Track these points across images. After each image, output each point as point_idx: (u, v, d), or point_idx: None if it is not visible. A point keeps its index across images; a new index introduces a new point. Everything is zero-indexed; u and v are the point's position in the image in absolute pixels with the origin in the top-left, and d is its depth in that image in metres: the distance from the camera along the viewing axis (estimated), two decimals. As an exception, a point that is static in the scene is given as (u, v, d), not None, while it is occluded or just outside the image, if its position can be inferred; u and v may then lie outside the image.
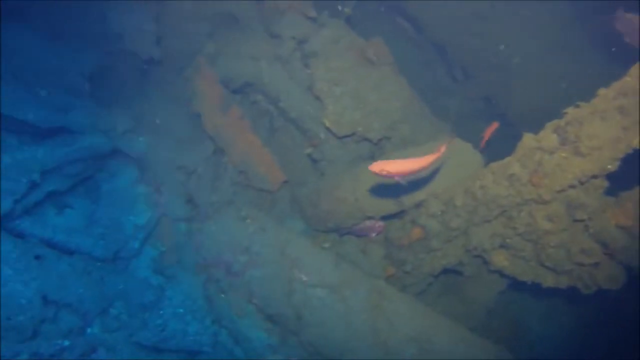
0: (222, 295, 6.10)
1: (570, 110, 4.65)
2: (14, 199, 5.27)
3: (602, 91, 4.61)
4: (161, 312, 6.05)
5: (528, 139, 4.93)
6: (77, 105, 5.97)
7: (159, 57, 6.54)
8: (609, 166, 4.67)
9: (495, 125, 6.45)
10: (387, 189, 5.89)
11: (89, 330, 5.69)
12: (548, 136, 4.76)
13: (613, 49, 6.47)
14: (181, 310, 6.13)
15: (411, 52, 8.10)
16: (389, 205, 6.08)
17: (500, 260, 5.60)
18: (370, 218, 6.30)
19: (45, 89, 5.71)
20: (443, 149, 4.51)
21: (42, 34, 6.00)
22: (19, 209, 5.39)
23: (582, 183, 4.77)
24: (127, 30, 6.23)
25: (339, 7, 7.24)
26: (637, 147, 4.55)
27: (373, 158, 6.52)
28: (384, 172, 4.39)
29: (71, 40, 6.14)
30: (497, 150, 5.59)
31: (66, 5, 6.18)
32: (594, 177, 4.78)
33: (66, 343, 5.47)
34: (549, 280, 5.47)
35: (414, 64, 7.97)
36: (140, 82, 6.90)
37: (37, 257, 5.40)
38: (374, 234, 6.48)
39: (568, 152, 4.64)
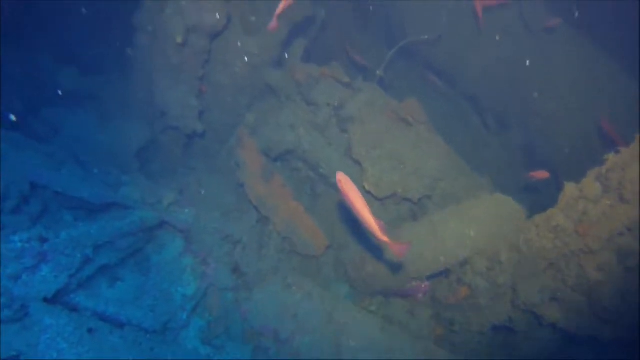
0: (271, 363, 6.07)
1: (610, 156, 4.61)
2: (69, 274, 5.44)
3: (641, 135, 4.57)
4: (211, 382, 6.04)
5: (570, 189, 4.88)
6: (126, 181, 6.25)
7: (202, 131, 6.82)
8: (657, 210, 4.56)
9: (543, 174, 6.40)
10: (430, 249, 5.86)
11: (140, 401, 5.71)
12: (590, 184, 4.70)
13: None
14: (231, 380, 6.11)
15: (445, 107, 8.23)
16: (433, 265, 6.03)
17: (552, 314, 5.43)
18: (415, 279, 6.24)
19: (97, 167, 6.01)
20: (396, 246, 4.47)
21: (93, 115, 6.42)
22: (73, 283, 5.56)
23: (630, 230, 4.66)
24: (171, 107, 6.55)
25: (377, 72, 7.49)
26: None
27: (415, 218, 6.53)
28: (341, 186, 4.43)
29: (120, 119, 6.53)
30: (538, 200, 5.54)
31: (114, 87, 6.63)
32: (643, 222, 4.67)
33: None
34: (606, 333, 5.25)
35: (449, 118, 8.07)
36: (184, 155, 7.19)
37: (90, 331, 5.52)
38: (420, 295, 6.40)
39: (613, 199, 4.57)
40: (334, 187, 7.00)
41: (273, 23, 6.09)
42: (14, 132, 6.00)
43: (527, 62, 6.99)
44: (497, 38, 7.18)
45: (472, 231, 5.65)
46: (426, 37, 7.46)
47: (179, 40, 6.20)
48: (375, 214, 6.64)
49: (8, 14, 6.38)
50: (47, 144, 6.14)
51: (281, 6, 6.01)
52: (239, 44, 6.90)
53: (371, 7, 5.70)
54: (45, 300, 5.22)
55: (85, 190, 5.92)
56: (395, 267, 6.09)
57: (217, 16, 6.26)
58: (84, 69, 6.67)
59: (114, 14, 7.73)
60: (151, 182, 6.52)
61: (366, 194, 6.66)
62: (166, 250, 6.48)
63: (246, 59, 7.03)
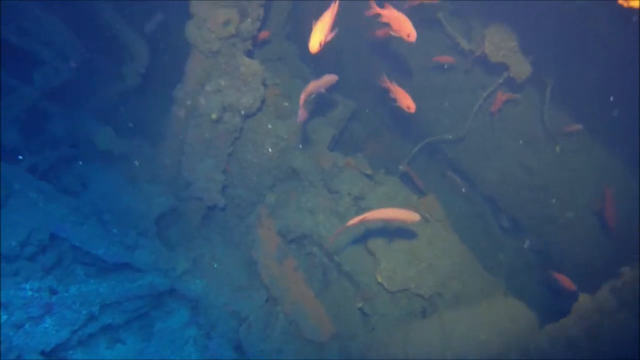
0: None
1: (626, 270, 4.57)
2: (72, 329, 5.45)
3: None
4: None
5: (585, 300, 4.81)
6: (143, 245, 6.33)
7: (223, 205, 6.96)
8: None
9: (569, 285, 6.32)
10: (437, 348, 5.73)
11: None
12: (605, 297, 4.64)
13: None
14: None
15: (463, 206, 8.29)
16: (440, 365, 5.87)
17: None
18: (420, 378, 6.05)
19: (117, 227, 6.14)
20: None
21: (121, 175, 6.66)
22: (74, 339, 5.54)
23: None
24: (197, 178, 6.74)
25: (400, 167, 7.68)
26: None
27: (425, 315, 6.43)
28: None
29: (146, 182, 6.74)
30: (550, 304, 5.44)
31: (145, 152, 6.91)
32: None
33: None
34: None
35: (466, 217, 8.11)
36: (203, 226, 7.30)
37: (80, 392, 5.44)
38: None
39: (628, 314, 4.48)
40: (346, 275, 7.00)
41: (301, 113, 6.42)
42: (46, 182, 6.22)
43: (557, 148, 7.12)
44: (521, 142, 7.37)
45: (483, 334, 5.54)
46: (450, 136, 7.69)
47: (214, 117, 6.50)
48: (385, 307, 6.64)
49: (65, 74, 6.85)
50: (74, 197, 6.32)
51: (303, 96, 6.28)
52: (270, 126, 7.18)
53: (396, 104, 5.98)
54: (42, 353, 5.19)
55: (101, 247, 6.02)
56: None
57: (253, 98, 6.57)
58: (119, 130, 6.98)
59: (155, 85, 8.22)
60: (167, 249, 6.58)
61: (378, 285, 6.64)
62: (172, 318, 6.45)
63: (275, 141, 7.28)
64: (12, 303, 4.96)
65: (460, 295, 6.35)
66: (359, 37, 8.59)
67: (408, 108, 5.75)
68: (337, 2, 4.61)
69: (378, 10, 5.50)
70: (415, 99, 5.77)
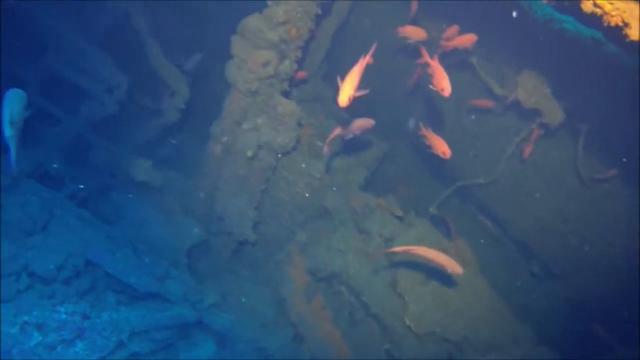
0: None
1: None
2: (101, 356, 5.52)
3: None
4: None
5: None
6: (173, 276, 6.42)
7: (253, 241, 7.06)
8: None
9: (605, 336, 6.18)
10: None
11: None
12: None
13: None
14: None
15: (493, 251, 8.20)
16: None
17: None
18: None
19: (149, 257, 6.28)
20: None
21: (156, 206, 6.85)
22: (101, 365, 5.61)
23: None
24: (230, 214, 6.88)
25: (430, 209, 7.70)
26: None
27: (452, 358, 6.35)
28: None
29: (179, 215, 6.92)
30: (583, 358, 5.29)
31: (181, 185, 7.12)
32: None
33: None
34: None
35: (496, 262, 8.00)
36: (232, 260, 7.40)
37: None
38: None
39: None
40: (374, 317, 6.97)
41: (326, 149, 6.59)
42: (84, 209, 6.43)
43: (584, 217, 7.07)
44: (553, 189, 7.33)
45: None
46: (481, 180, 7.69)
47: (250, 154, 6.68)
48: (412, 350, 6.56)
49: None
50: (110, 226, 6.51)
51: (332, 135, 6.48)
52: (304, 165, 7.32)
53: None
54: (71, 376, 5.27)
55: (133, 276, 6.15)
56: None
57: (288, 138, 6.75)
58: (156, 163, 7.22)
59: (193, 121, 8.49)
60: (196, 281, 6.67)
61: (405, 328, 6.58)
62: (197, 350, 6.46)
63: (308, 180, 7.41)
64: (47, 324, 5.09)
65: (489, 342, 6.25)
66: (391, 80, 8.77)
67: (443, 154, 5.83)
68: (366, 57, 4.75)
69: (428, 59, 5.67)
70: (447, 141, 5.86)
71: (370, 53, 4.85)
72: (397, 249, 5.29)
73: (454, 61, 7.49)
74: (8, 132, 4.49)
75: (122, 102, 7.28)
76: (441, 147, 5.89)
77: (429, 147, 6.05)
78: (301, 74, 7.56)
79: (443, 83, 5.39)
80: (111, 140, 7.45)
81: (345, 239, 7.34)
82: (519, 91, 7.00)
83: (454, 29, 7.08)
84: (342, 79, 4.78)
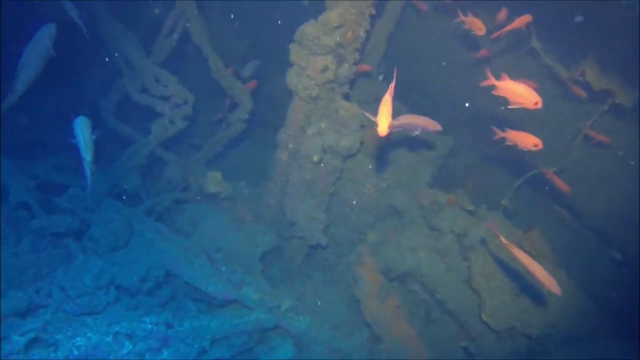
0: None
1: None
2: (185, 361, 5.75)
3: None
4: None
5: None
6: (249, 282, 6.60)
7: (325, 244, 7.14)
8: None
9: None
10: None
11: None
12: None
13: None
14: None
15: (570, 240, 7.90)
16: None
17: None
18: None
19: (225, 265, 6.49)
20: None
21: (228, 215, 7.08)
22: (187, 372, 5.85)
23: None
24: (300, 218, 6.99)
25: (503, 202, 7.53)
26: None
27: (531, 356, 6.18)
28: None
29: (251, 222, 7.11)
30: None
31: (250, 193, 7.32)
32: None
33: None
34: None
35: (573, 252, 7.71)
36: (305, 264, 7.51)
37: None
38: None
39: None
40: (450, 313, 6.89)
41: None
42: (161, 223, 6.74)
43: None
44: (627, 172, 7.00)
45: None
46: (553, 168, 7.44)
47: (316, 158, 6.76)
48: (490, 346, 6.44)
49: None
50: (186, 237, 6.79)
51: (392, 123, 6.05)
52: (370, 166, 7.34)
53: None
54: (160, 383, 5.52)
55: (210, 284, 6.40)
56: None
57: (352, 140, 6.78)
58: (226, 175, 7.44)
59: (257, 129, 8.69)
60: (271, 286, 6.82)
61: (482, 324, 6.48)
62: (276, 353, 6.61)
63: (375, 180, 7.43)
64: (135, 334, 5.37)
65: (569, 337, 6.05)
66: (451, 75, 8.65)
67: (535, 146, 5.50)
68: (392, 84, 4.69)
69: (494, 81, 5.35)
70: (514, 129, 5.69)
71: (392, 85, 4.78)
72: (505, 242, 5.06)
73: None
74: (87, 157, 4.78)
75: (189, 117, 7.56)
76: (530, 140, 5.59)
77: (515, 145, 5.73)
78: (364, 67, 7.57)
79: (530, 98, 5.02)
80: (181, 156, 7.78)
81: (416, 236, 7.31)
82: (587, 73, 6.73)
83: (503, 13, 6.87)
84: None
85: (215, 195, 7.30)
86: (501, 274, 6.66)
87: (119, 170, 7.40)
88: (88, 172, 5.10)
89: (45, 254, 6.23)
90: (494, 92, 5.24)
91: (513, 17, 6.59)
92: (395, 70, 4.93)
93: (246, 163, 8.86)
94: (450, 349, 6.86)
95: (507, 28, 6.64)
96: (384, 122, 4.40)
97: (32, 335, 4.84)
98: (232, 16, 9.34)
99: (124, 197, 7.28)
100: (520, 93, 5.09)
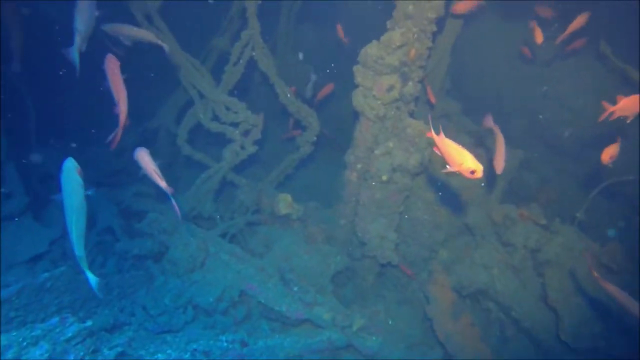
0: None
1: None
2: (260, 380, 5.89)
3: None
4: None
5: None
6: (321, 302, 6.69)
7: (396, 262, 7.14)
8: None
9: None
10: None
11: None
12: None
13: None
14: None
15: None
16: None
17: None
18: None
19: (297, 286, 6.61)
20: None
21: (300, 237, 7.23)
22: (262, 390, 5.98)
23: None
24: (371, 238, 7.03)
25: (577, 215, 7.29)
26: None
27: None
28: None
29: (323, 243, 7.22)
30: None
31: (322, 214, 7.44)
32: None
33: None
34: None
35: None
36: (376, 283, 7.53)
37: None
38: None
39: None
40: (526, 332, 6.72)
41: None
42: (236, 245, 6.98)
43: None
44: None
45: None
46: (630, 177, 7.14)
47: (385, 178, 6.81)
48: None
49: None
50: (260, 258, 6.97)
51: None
52: (439, 183, 7.32)
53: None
54: (236, 400, 5.68)
55: (284, 304, 6.53)
56: None
57: (421, 157, 6.80)
58: (296, 196, 7.61)
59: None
60: (343, 306, 6.87)
61: (561, 344, 6.27)
62: (348, 372, 6.64)
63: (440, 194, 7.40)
64: (212, 352, 5.54)
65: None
66: (524, 87, 8.53)
67: None
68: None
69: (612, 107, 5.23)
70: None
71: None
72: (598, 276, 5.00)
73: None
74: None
75: (259, 142, 7.82)
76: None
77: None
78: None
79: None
80: (254, 178, 8.04)
81: (489, 253, 7.21)
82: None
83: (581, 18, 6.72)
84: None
85: (287, 217, 7.46)
86: (578, 289, 6.44)
87: (194, 195, 7.72)
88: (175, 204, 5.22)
89: (128, 275, 6.58)
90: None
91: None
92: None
93: (315, 183, 9.02)
94: (528, 368, 6.67)
95: (570, 30, 6.54)
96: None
97: (119, 349, 5.11)
98: (300, 55, 9.65)
99: (200, 221, 7.58)
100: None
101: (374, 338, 6.85)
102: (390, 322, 7.20)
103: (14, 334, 4.56)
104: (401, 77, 6.72)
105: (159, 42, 6.08)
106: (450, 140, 4.40)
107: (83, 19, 5.23)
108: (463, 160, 4.24)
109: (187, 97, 8.50)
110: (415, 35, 6.56)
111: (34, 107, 7.49)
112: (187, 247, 6.60)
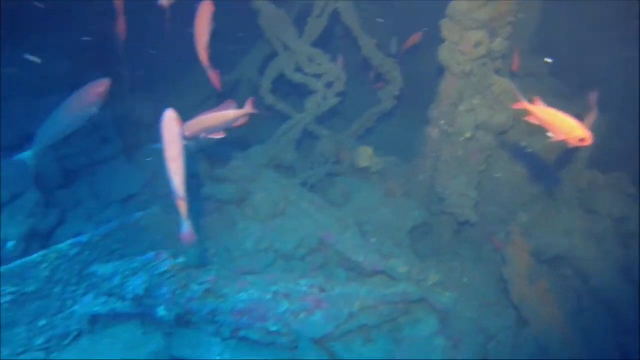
0: None
1: None
2: (336, 324, 6.05)
3: None
4: None
5: None
6: (397, 255, 6.75)
7: (474, 221, 7.09)
8: None
9: None
10: None
11: None
12: None
13: None
14: None
15: None
16: None
17: None
18: None
19: (375, 237, 6.70)
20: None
21: (379, 190, 7.29)
22: (337, 333, 6.12)
23: None
24: (450, 195, 6.99)
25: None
26: None
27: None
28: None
29: (401, 197, 7.26)
30: None
31: (401, 169, 7.45)
32: None
33: None
34: None
35: None
36: (452, 240, 7.51)
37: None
38: None
39: None
40: (604, 303, 6.56)
41: None
42: (316, 195, 7.11)
43: None
44: None
45: None
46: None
47: (468, 135, 6.72)
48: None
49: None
50: (339, 209, 7.08)
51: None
52: (523, 143, 7.14)
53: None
54: (313, 340, 5.88)
55: (361, 255, 6.62)
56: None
57: (506, 116, 6.65)
58: (377, 149, 7.64)
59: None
60: (419, 260, 6.92)
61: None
62: (420, 325, 6.69)
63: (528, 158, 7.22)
64: (292, 295, 5.75)
65: None
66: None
67: None
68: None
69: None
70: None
71: None
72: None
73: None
74: None
75: (341, 94, 7.85)
76: None
77: None
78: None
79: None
80: (334, 130, 8.11)
81: (571, 219, 7.03)
82: None
83: None
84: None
85: (366, 170, 7.51)
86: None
87: (276, 144, 7.88)
88: None
89: (211, 219, 6.84)
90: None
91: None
92: None
93: (394, 138, 9.00)
94: (604, 342, 6.53)
95: None
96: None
97: (207, 286, 5.40)
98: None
99: (281, 170, 7.74)
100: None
101: (448, 294, 6.88)
102: (465, 280, 7.19)
103: (118, 263, 4.92)
104: (489, 32, 6.54)
105: None
106: (550, 108, 4.23)
107: None
108: (571, 129, 4.09)
109: (269, 49, 8.60)
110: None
111: (129, 60, 7.76)
112: (268, 194, 6.78)
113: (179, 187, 4.39)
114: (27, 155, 5.17)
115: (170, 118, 4.43)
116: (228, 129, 5.44)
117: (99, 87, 5.28)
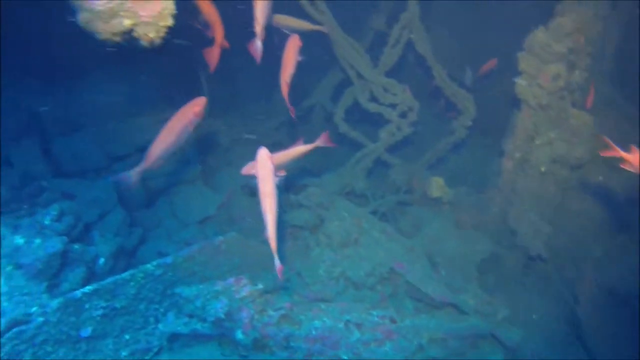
0: None
1: None
2: (405, 355, 6.08)
3: None
4: None
5: None
6: (466, 288, 6.76)
7: (546, 256, 7.00)
8: None
9: None
10: None
11: None
12: None
13: None
14: None
15: None
16: None
17: None
18: None
19: (445, 269, 6.73)
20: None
21: (449, 221, 7.34)
22: (404, 365, 6.20)
23: None
24: (523, 228, 6.94)
25: None
26: None
27: None
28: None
29: (471, 230, 7.26)
30: None
31: (471, 200, 7.46)
32: None
33: None
34: None
35: None
36: (521, 275, 7.42)
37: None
38: None
39: None
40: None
41: None
42: (387, 224, 7.21)
43: None
44: None
45: None
46: None
47: (543, 169, 6.67)
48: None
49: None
50: (409, 239, 7.16)
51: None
52: (601, 177, 7.01)
53: None
54: (385, 372, 5.95)
55: (430, 286, 6.68)
56: None
57: (584, 150, 6.55)
58: (446, 179, 7.68)
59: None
60: (487, 294, 6.88)
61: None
62: (487, 361, 6.67)
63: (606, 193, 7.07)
64: (364, 325, 5.87)
65: None
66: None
67: None
68: None
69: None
70: None
71: None
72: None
73: None
74: None
75: (415, 124, 7.94)
76: None
77: None
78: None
79: None
80: (405, 158, 8.20)
81: (641, 257, 6.81)
82: None
83: None
84: None
85: (438, 200, 7.56)
86: None
87: (348, 172, 8.03)
88: None
89: (286, 244, 7.04)
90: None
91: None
92: None
93: (466, 168, 8.99)
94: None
95: None
96: None
97: (283, 312, 5.59)
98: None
99: (353, 197, 7.87)
100: None
101: (516, 330, 6.81)
102: (534, 317, 7.09)
103: (202, 286, 5.17)
104: (567, 65, 6.49)
105: (318, 28, 6.59)
106: None
107: (263, 13, 5.62)
108: None
109: (341, 76, 8.77)
110: (588, 21, 6.29)
111: (208, 88, 8.08)
112: (342, 222, 6.92)
113: (270, 225, 4.58)
114: (132, 173, 5.62)
115: (263, 156, 4.65)
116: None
117: (196, 106, 5.64)
